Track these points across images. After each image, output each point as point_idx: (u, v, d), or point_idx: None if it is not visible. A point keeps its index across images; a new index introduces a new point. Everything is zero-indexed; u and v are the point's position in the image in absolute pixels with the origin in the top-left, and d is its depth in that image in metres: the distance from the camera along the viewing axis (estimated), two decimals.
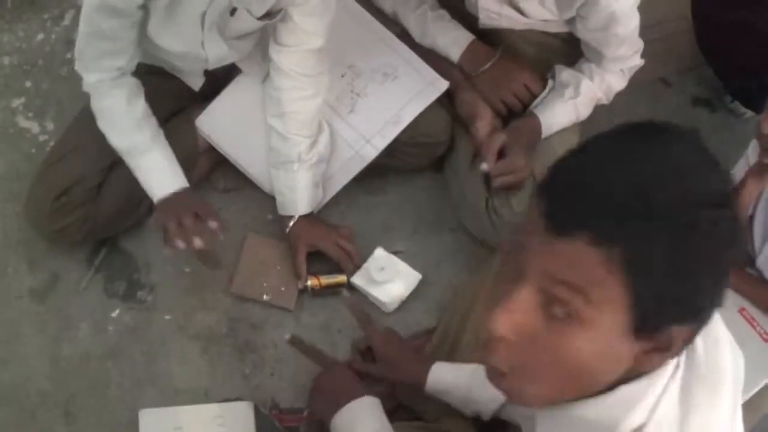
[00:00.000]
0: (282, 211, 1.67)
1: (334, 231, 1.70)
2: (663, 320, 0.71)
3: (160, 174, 1.55)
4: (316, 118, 1.64)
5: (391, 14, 1.79)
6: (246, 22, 1.49)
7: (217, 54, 1.57)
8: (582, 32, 1.62)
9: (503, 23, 1.71)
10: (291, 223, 1.66)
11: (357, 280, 1.69)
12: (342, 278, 1.69)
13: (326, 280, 1.69)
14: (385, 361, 1.46)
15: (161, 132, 1.57)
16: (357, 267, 1.70)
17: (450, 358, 1.45)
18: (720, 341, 0.85)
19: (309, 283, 1.68)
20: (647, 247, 0.67)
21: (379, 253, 1.71)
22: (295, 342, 1.46)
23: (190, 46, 1.51)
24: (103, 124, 1.54)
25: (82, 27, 1.43)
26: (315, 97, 1.61)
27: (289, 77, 1.57)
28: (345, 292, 1.43)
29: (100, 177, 1.62)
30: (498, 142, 1.63)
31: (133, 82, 1.53)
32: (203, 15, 1.44)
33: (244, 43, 1.60)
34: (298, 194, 1.64)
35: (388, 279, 1.67)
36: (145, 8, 1.41)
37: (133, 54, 1.49)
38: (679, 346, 0.73)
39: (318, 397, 1.43)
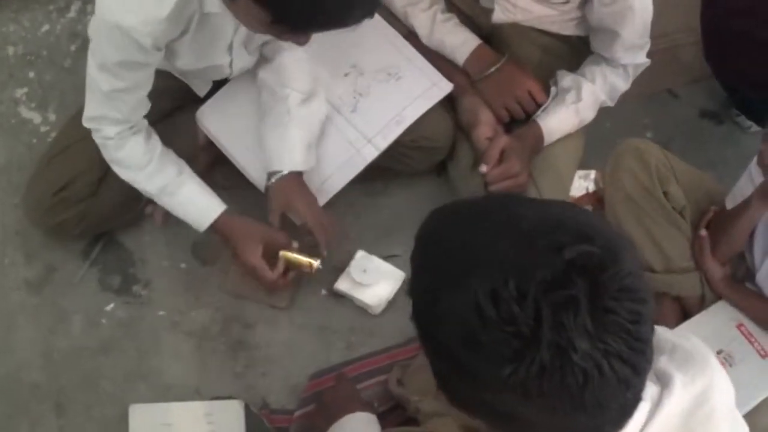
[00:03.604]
0: (270, 167, 1.60)
1: (315, 198, 1.63)
2: None
3: (200, 203, 1.55)
4: (309, 75, 1.61)
5: (400, 12, 1.78)
6: None
7: (243, 66, 1.57)
8: (597, 11, 1.61)
9: (517, 16, 1.70)
10: (276, 177, 1.59)
11: (341, 285, 1.68)
12: (315, 261, 1.60)
13: (297, 256, 1.61)
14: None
15: (183, 162, 1.56)
16: (326, 239, 1.62)
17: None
18: (715, 414, 0.85)
19: (281, 253, 1.60)
20: None
21: (360, 254, 1.70)
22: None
23: (217, 62, 1.51)
24: (125, 173, 1.51)
25: (102, 86, 1.38)
26: (308, 60, 1.59)
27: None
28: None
29: (101, 172, 1.60)
30: (499, 146, 1.62)
31: (145, 122, 1.51)
32: (230, 45, 1.46)
33: (265, 46, 1.60)
34: (288, 147, 1.58)
35: (372, 281, 1.66)
36: (166, 48, 1.38)
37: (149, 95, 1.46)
38: None
39: (320, 406, 1.44)
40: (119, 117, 1.44)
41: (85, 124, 1.48)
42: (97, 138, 1.49)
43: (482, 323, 0.70)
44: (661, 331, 0.92)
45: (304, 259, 1.61)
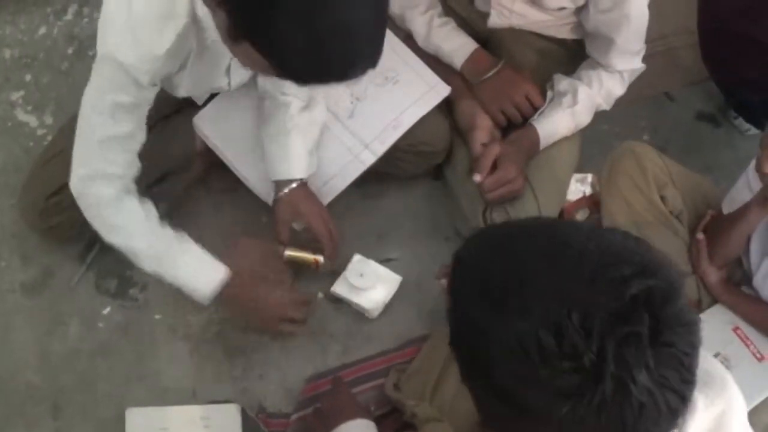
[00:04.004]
0: (275, 176, 1.60)
1: (324, 209, 1.65)
2: None
3: (203, 266, 1.47)
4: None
5: (397, 16, 1.78)
6: None
7: (241, 81, 1.57)
8: (593, 17, 1.61)
9: (513, 21, 1.71)
10: (286, 189, 1.59)
11: (338, 288, 1.68)
12: (318, 258, 1.64)
13: (300, 252, 1.64)
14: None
15: (180, 232, 1.48)
16: (334, 252, 1.65)
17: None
18: None
19: (287, 254, 1.63)
20: None
21: (357, 258, 1.70)
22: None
23: (215, 85, 1.49)
24: (122, 239, 1.41)
25: (97, 131, 1.30)
26: None
27: None
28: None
29: None
30: (492, 154, 1.62)
31: (134, 186, 1.41)
32: (228, 68, 1.45)
33: None
34: (292, 156, 1.58)
35: (369, 285, 1.66)
36: (166, 81, 1.35)
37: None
38: None
39: (318, 412, 1.45)
40: (114, 171, 1.36)
41: (76, 187, 1.38)
42: (90, 200, 1.38)
43: (541, 357, 0.70)
44: None
45: (309, 257, 1.63)
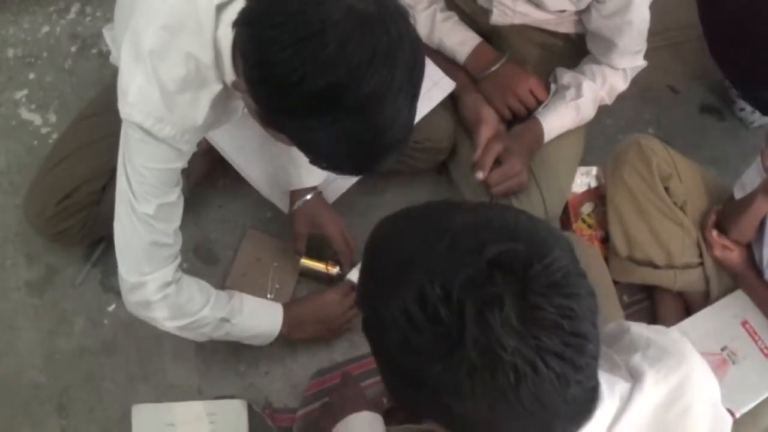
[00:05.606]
0: (291, 186, 1.62)
1: (340, 218, 1.67)
2: None
3: (264, 309, 1.52)
4: None
5: None
6: None
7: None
8: (595, 21, 1.61)
9: (515, 20, 1.70)
10: (301, 202, 1.61)
11: (353, 276, 1.67)
12: (331, 267, 1.69)
13: (315, 262, 1.69)
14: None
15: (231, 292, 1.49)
16: (352, 263, 1.68)
17: None
18: (692, 409, 0.85)
19: (302, 263, 1.67)
20: None
21: None
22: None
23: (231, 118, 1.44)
24: (189, 317, 1.36)
25: (147, 209, 1.22)
26: None
27: None
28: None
29: (105, 179, 1.56)
30: (493, 152, 1.61)
31: (180, 260, 1.35)
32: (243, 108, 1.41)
33: None
34: (302, 167, 1.57)
35: None
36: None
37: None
38: None
39: (326, 405, 1.45)
40: (168, 242, 1.28)
41: (133, 278, 1.28)
42: (153, 288, 1.29)
43: (413, 327, 0.72)
44: (636, 328, 0.93)
45: (323, 267, 1.68)
